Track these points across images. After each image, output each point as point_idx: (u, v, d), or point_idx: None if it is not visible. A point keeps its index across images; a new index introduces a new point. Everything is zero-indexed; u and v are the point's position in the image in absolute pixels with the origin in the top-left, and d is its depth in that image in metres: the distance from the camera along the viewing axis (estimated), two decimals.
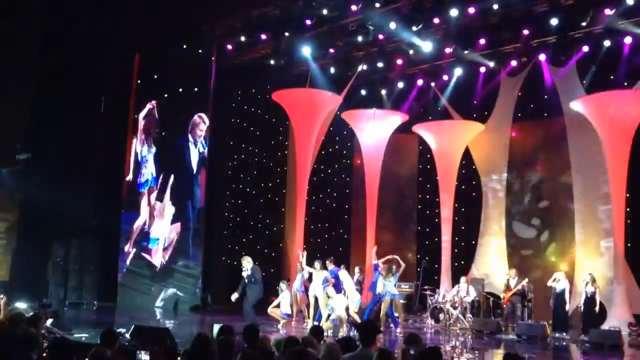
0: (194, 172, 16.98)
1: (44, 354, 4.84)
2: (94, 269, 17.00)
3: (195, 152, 17.09)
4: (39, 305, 6.64)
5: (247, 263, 12.06)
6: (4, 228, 17.28)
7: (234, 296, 11.98)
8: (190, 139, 17.17)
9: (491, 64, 15.71)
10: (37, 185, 15.89)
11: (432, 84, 17.10)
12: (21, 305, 10.08)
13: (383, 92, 17.82)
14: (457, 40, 14.84)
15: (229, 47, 16.59)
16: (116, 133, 17.95)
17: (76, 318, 13.32)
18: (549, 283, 13.00)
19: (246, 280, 11.95)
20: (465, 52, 15.23)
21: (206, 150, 16.91)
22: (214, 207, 17.52)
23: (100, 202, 17.41)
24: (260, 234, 18.06)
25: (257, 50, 16.64)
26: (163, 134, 17.69)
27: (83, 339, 9.31)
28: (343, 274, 13.18)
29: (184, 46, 16.97)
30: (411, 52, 15.54)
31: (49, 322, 8.77)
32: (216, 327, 7.32)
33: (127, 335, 8.11)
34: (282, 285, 13.19)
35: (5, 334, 5.21)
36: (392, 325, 12.82)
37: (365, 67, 16.48)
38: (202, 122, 17.17)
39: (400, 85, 17.47)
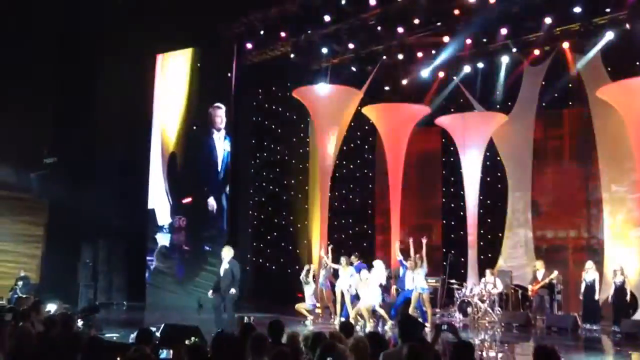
0: (219, 169, 17.09)
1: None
2: (122, 269, 17.23)
3: (221, 146, 17.14)
4: (87, 308, 6.69)
5: (227, 254, 10.53)
6: (33, 231, 17.57)
7: (211, 293, 10.71)
8: (214, 131, 17.28)
9: (513, 55, 15.54)
10: (64, 189, 16.14)
11: (454, 77, 16.95)
12: (52, 307, 10.26)
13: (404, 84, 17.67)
14: (478, 31, 14.67)
15: (249, 46, 16.65)
16: (139, 133, 18.15)
17: (106, 318, 13.49)
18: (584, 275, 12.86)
19: (222, 274, 10.45)
20: (486, 41, 15.07)
21: (229, 144, 16.98)
22: (238, 206, 17.60)
23: (127, 202, 17.61)
24: (285, 231, 18.10)
25: (276, 48, 16.66)
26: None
27: (114, 338, 9.43)
28: (365, 273, 13.07)
29: (203, 48, 17.11)
30: (432, 44, 15.44)
31: (80, 322, 8.90)
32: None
33: (158, 334, 8.18)
34: (304, 277, 13.23)
35: (44, 336, 5.29)
36: (420, 319, 12.75)
37: (386, 62, 16.40)
38: (217, 109, 17.24)
39: (422, 78, 17.32)
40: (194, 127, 17.78)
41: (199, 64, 17.72)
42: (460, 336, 5.34)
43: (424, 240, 12.85)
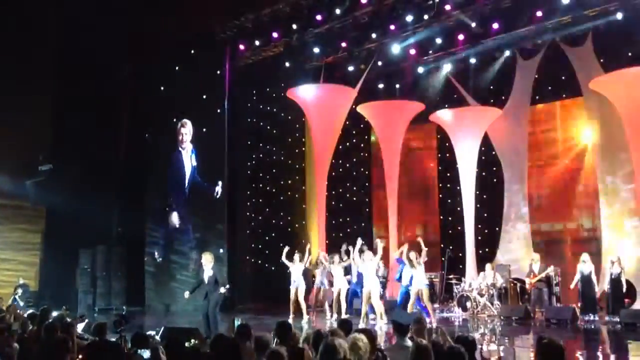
0: (186, 184, 17.17)
1: (80, 357, 4.93)
2: (121, 274, 17.23)
3: (189, 163, 17.17)
4: (120, 316, 6.75)
5: (209, 262, 10.59)
6: (31, 239, 17.54)
7: (187, 294, 10.79)
8: (180, 148, 17.42)
9: (506, 49, 15.61)
10: (60, 195, 16.11)
11: (447, 72, 16.99)
12: (54, 313, 10.25)
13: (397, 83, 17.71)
14: (470, 26, 14.70)
15: (242, 47, 16.65)
16: (137, 140, 18.13)
17: (106, 323, 13.46)
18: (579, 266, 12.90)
19: (206, 282, 10.47)
20: (478, 36, 15.12)
21: (195, 160, 17.06)
22: (236, 207, 17.59)
23: (124, 208, 17.60)
24: (283, 231, 18.10)
25: (269, 49, 16.67)
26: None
27: None
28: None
29: (195, 50, 17.08)
30: (424, 41, 15.47)
31: (80, 328, 8.90)
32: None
33: (157, 337, 8.18)
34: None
35: (42, 341, 5.32)
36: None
37: (379, 60, 16.43)
38: (182, 127, 17.36)
39: (415, 75, 17.35)
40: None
41: (191, 67, 17.68)
42: (448, 339, 5.34)
43: (424, 249, 12.60)
